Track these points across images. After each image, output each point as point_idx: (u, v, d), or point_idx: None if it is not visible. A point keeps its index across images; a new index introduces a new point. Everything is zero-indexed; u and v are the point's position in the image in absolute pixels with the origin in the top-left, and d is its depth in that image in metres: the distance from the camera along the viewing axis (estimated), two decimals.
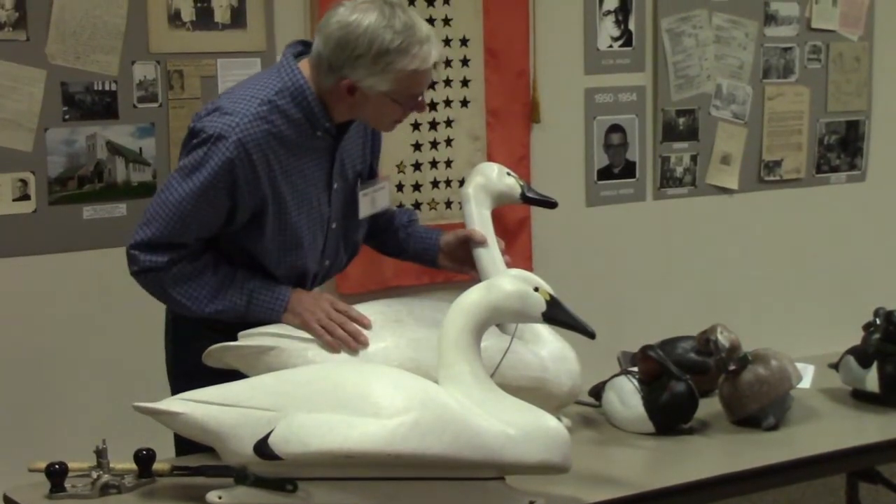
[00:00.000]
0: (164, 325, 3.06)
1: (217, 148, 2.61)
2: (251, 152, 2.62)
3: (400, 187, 4.64)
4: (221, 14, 4.20)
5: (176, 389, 2.70)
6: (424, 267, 3.14)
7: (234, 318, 2.76)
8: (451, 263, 2.99)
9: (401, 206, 3.35)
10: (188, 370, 2.76)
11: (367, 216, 2.94)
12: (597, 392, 3.04)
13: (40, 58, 3.96)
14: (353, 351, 2.63)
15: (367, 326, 2.65)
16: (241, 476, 2.37)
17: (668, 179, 5.26)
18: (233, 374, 2.62)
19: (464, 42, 4.72)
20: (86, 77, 4.04)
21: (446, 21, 4.68)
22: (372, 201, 2.93)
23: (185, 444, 2.71)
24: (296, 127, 2.69)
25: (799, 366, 3.03)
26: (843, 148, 5.65)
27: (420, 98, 2.75)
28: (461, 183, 3.10)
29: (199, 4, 4.18)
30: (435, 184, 4.73)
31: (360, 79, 2.63)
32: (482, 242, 2.86)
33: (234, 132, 2.61)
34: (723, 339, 2.91)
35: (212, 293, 2.73)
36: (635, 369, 2.94)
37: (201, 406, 2.37)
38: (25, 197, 3.98)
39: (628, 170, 5.17)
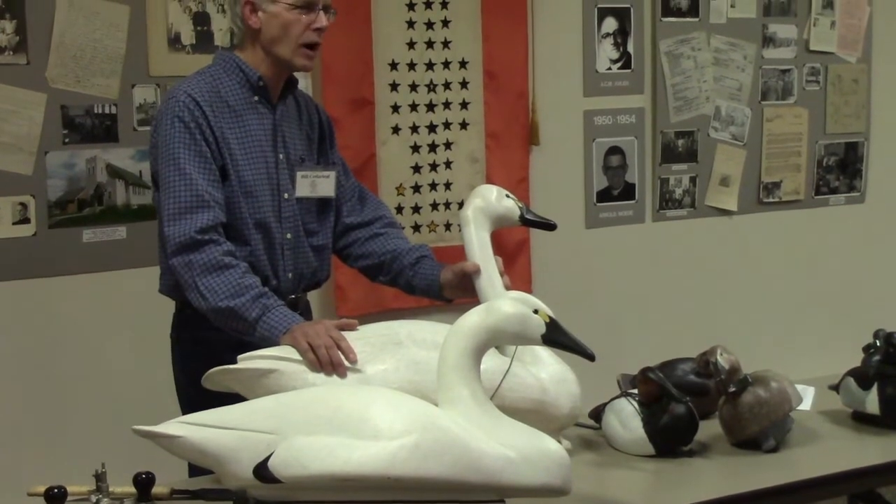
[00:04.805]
0: (171, 349, 3.10)
1: (170, 104, 2.94)
2: (197, 99, 2.94)
3: (399, 209, 4.65)
4: (221, 37, 4.22)
5: (187, 410, 2.72)
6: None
7: (238, 327, 2.80)
8: (458, 293, 3.05)
9: (399, 224, 3.36)
10: (195, 393, 2.77)
11: (304, 197, 3.10)
12: (597, 414, 3.03)
13: (41, 81, 3.97)
14: (330, 374, 2.64)
15: (352, 361, 2.66)
16: (240, 500, 2.36)
17: (667, 201, 5.26)
18: (236, 396, 2.63)
19: (463, 64, 4.74)
20: (86, 100, 4.05)
21: (445, 44, 4.70)
22: (312, 185, 3.12)
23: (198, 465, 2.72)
24: (232, 89, 3.01)
25: (799, 387, 3.03)
26: (842, 169, 5.66)
27: (317, 12, 2.98)
28: (460, 205, 3.11)
29: (198, 28, 4.20)
30: (434, 206, 4.74)
31: None
32: (476, 272, 2.87)
33: (180, 91, 2.96)
34: (722, 360, 2.91)
35: (231, 291, 2.81)
36: (635, 391, 2.94)
37: (200, 429, 2.36)
38: (25, 220, 3.98)
39: (627, 192, 5.18)
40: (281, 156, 3.06)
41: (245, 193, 2.98)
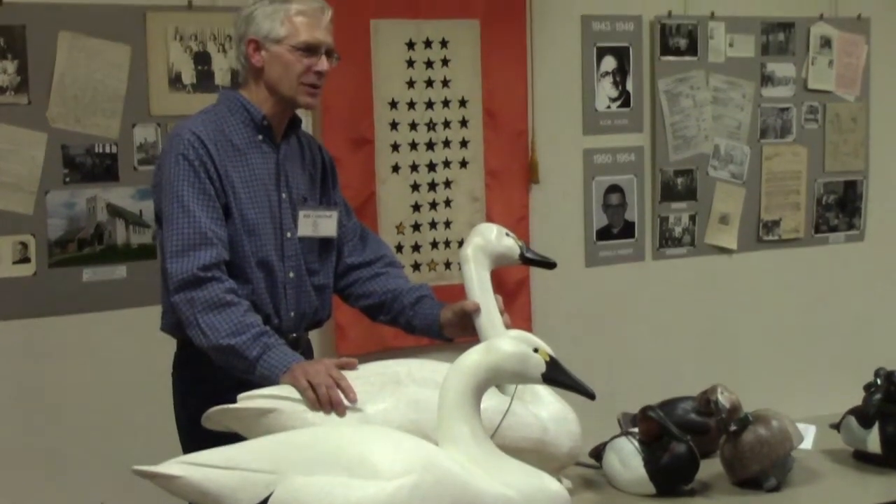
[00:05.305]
0: (172, 387, 3.10)
1: (175, 142, 2.95)
2: (203, 138, 2.95)
3: (399, 248, 4.65)
4: (222, 76, 4.24)
5: (188, 449, 2.72)
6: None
7: (238, 365, 2.80)
8: (458, 332, 3.05)
9: (400, 264, 3.36)
10: (196, 431, 2.77)
11: (306, 236, 3.11)
12: (597, 453, 3.03)
13: (41, 121, 3.99)
14: (329, 413, 2.64)
15: (351, 400, 2.66)
16: None
17: (666, 239, 5.27)
18: (237, 434, 2.63)
19: (463, 103, 4.75)
20: (86, 140, 4.06)
21: (445, 82, 4.71)
22: (314, 224, 3.13)
23: None
24: (237, 128, 3.03)
25: (800, 426, 3.02)
26: (841, 208, 5.67)
27: (320, 56, 3.01)
28: (460, 244, 3.11)
29: (199, 67, 4.22)
30: (434, 245, 4.74)
31: (259, 28, 3.01)
32: (476, 310, 2.87)
33: (185, 129, 2.97)
34: (723, 399, 2.91)
35: (232, 329, 2.81)
36: (636, 430, 2.93)
37: (200, 469, 2.35)
38: (25, 260, 3.98)
39: (627, 230, 5.19)
40: (284, 195, 3.07)
41: (248, 232, 2.98)
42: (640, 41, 5.15)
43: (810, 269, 5.59)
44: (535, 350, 2.40)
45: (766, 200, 5.47)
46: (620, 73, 5.12)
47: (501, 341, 2.43)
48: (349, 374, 2.71)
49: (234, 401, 2.68)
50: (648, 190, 5.22)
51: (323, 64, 3.01)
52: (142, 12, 4.13)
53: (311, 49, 2.99)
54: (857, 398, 3.13)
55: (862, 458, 3.13)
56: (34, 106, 3.98)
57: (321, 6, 3.04)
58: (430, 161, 4.72)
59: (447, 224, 4.76)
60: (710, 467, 2.98)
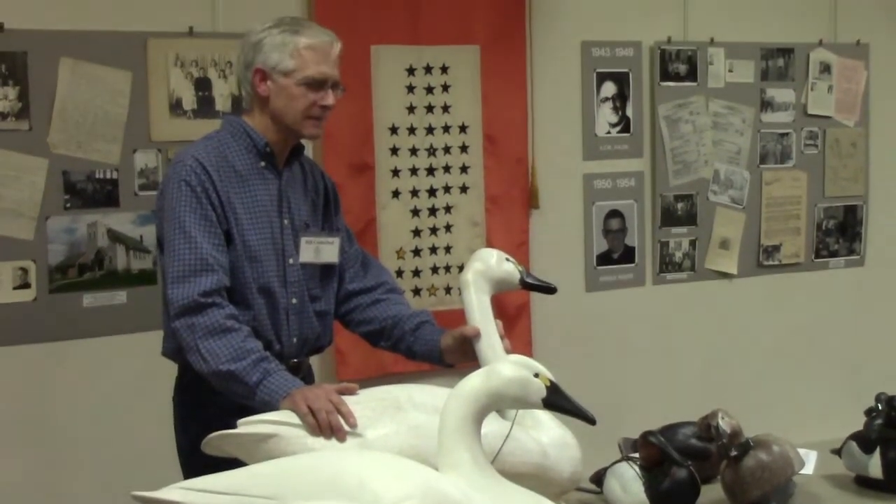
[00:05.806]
0: (172, 413, 3.09)
1: (177, 168, 2.96)
2: (205, 164, 2.96)
3: (400, 273, 4.65)
4: (222, 102, 4.25)
5: (189, 474, 2.72)
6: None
7: (239, 391, 2.80)
8: (458, 358, 3.05)
9: (401, 290, 3.36)
10: (196, 457, 2.77)
11: (308, 262, 3.11)
12: (598, 478, 3.02)
13: (42, 147, 3.99)
14: (329, 438, 2.64)
15: (351, 425, 2.65)
16: None
17: (667, 264, 5.27)
18: (237, 460, 2.63)
19: (463, 129, 4.76)
20: (87, 165, 4.07)
21: (445, 108, 4.72)
22: (316, 251, 3.13)
23: None
24: (239, 154, 3.04)
25: (801, 451, 3.01)
26: (841, 232, 5.67)
27: (326, 90, 3.02)
28: (460, 269, 3.11)
29: (200, 93, 4.23)
30: (434, 270, 4.74)
31: (266, 58, 3.00)
32: (476, 336, 2.87)
33: (188, 155, 2.98)
34: (724, 424, 2.90)
35: (232, 355, 2.81)
36: (636, 455, 2.93)
37: (200, 495, 2.34)
38: (26, 285, 3.98)
39: (627, 255, 5.19)
40: (286, 221, 3.08)
41: (249, 258, 2.99)
42: (640, 67, 5.16)
43: (811, 294, 5.59)
44: (536, 375, 2.39)
45: (766, 225, 5.47)
46: (620, 99, 5.13)
47: (502, 366, 2.42)
48: (349, 400, 2.71)
49: (234, 426, 2.68)
50: (648, 215, 5.22)
51: (329, 98, 3.02)
52: (143, 38, 4.14)
53: (318, 84, 3.00)
54: (858, 423, 3.13)
55: (863, 484, 3.12)
56: (35, 132, 3.99)
57: (331, 39, 3.04)
58: (431, 186, 4.73)
59: (447, 249, 4.77)
60: (711, 493, 2.97)
